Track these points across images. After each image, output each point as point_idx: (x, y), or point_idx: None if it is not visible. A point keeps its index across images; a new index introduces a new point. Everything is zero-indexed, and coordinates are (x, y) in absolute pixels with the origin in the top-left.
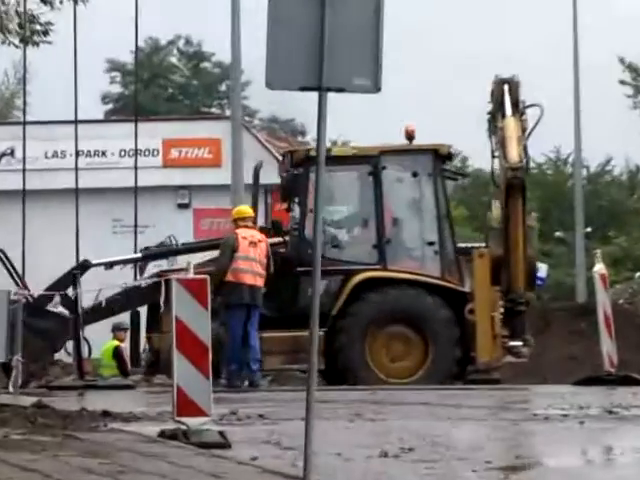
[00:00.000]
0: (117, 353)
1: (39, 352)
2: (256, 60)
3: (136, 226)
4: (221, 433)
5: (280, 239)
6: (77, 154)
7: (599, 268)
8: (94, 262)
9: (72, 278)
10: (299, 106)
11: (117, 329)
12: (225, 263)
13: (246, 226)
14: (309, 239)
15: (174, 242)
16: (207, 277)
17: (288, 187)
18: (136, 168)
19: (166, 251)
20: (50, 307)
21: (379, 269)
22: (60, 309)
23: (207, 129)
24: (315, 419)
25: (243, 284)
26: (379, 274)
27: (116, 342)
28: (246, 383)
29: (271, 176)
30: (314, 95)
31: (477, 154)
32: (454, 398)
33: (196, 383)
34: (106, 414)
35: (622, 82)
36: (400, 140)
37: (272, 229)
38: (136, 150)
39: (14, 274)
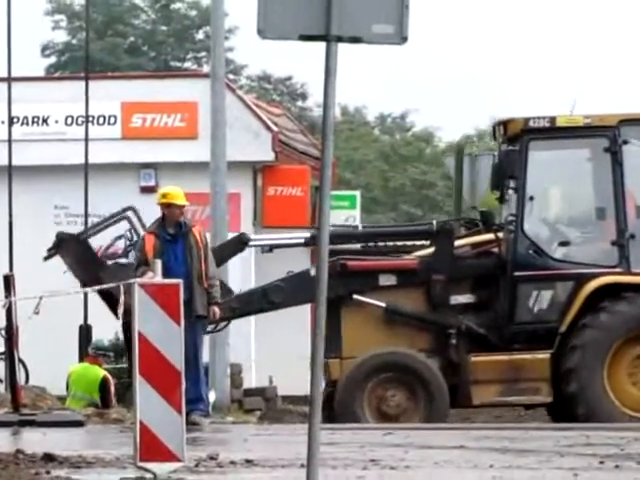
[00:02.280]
0: (105, 386)
1: None
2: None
3: (87, 215)
4: None
5: (491, 236)
6: (10, 121)
7: None
8: (254, 238)
9: (235, 249)
10: (297, 61)
11: (101, 354)
12: None
13: None
14: (530, 235)
15: (136, 237)
16: (179, 282)
17: (501, 168)
18: (87, 140)
19: (343, 234)
20: None
21: (621, 272)
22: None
23: (179, 90)
24: (319, 466)
25: None
26: (621, 279)
27: (101, 370)
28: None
29: (260, 152)
30: (319, 47)
31: None
32: (498, 441)
33: (165, 419)
34: (49, 458)
35: None
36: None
37: (482, 223)
38: (87, 117)
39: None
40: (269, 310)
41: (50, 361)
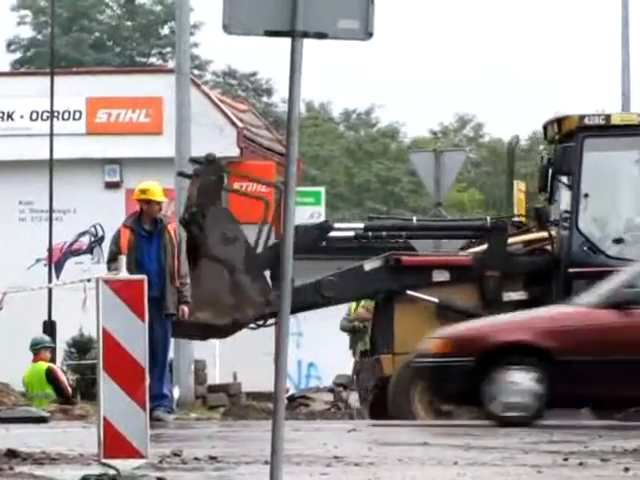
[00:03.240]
0: (52, 376)
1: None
2: None
3: (51, 211)
4: None
5: (544, 234)
6: None
7: None
8: (337, 226)
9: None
10: (263, 57)
11: (41, 347)
12: None
13: None
14: (584, 232)
15: (100, 232)
16: (143, 278)
17: (554, 165)
18: (52, 135)
19: (396, 226)
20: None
21: None
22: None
23: (144, 85)
24: (283, 463)
25: None
26: None
27: (44, 363)
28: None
29: (225, 148)
30: (285, 43)
31: (494, 120)
32: (462, 438)
33: (129, 415)
34: (12, 454)
35: None
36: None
37: (535, 220)
38: (52, 112)
39: None
40: (322, 306)
41: (14, 357)
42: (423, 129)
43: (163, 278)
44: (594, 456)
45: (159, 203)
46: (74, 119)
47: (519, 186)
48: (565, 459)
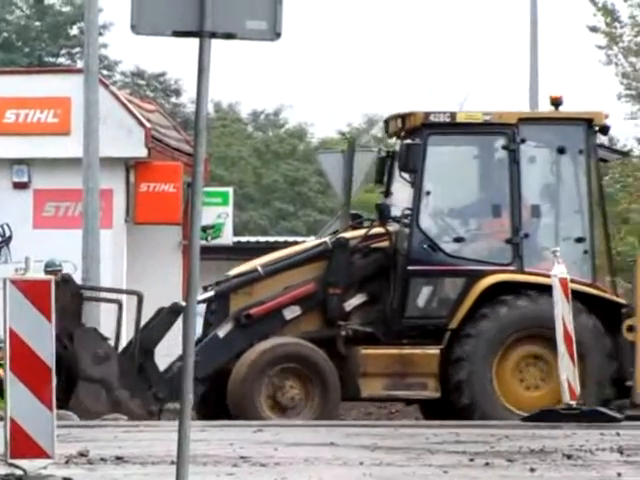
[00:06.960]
0: None
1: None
2: None
3: None
4: None
5: (381, 229)
6: None
7: (559, 270)
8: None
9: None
10: (171, 57)
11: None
12: None
13: None
14: (425, 230)
15: (8, 233)
16: (51, 278)
17: (398, 162)
18: None
19: (245, 282)
20: None
21: (513, 271)
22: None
23: (52, 85)
24: (189, 463)
25: None
26: (514, 277)
27: None
28: None
29: (132, 148)
30: (193, 43)
31: None
32: (368, 438)
33: (35, 415)
34: None
35: (592, 29)
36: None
37: (377, 216)
38: None
39: None
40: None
41: None
42: (331, 130)
43: None
44: (500, 456)
45: None
46: None
47: None
48: (471, 459)
